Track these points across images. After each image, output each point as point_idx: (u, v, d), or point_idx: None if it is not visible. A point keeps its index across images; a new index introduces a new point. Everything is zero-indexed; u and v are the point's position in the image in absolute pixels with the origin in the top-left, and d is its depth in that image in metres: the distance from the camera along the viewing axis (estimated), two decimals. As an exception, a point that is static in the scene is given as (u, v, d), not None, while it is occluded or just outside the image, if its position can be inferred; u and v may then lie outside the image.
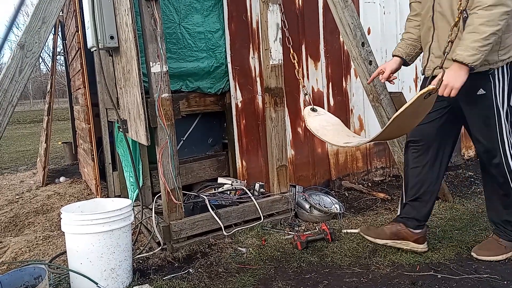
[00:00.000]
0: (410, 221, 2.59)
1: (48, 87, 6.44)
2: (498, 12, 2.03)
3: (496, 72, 2.26)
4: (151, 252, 2.92)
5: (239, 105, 3.68)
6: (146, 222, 3.29)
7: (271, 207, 3.34)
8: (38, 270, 2.17)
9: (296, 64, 3.04)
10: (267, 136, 3.46)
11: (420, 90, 2.07)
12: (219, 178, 3.71)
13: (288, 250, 2.81)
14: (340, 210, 3.45)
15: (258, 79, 3.75)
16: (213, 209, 3.06)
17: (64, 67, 14.64)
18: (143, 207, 3.26)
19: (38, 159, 6.75)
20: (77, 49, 4.14)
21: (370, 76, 3.27)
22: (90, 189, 4.85)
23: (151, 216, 3.07)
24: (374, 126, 4.22)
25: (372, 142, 2.46)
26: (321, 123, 2.38)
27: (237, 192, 3.45)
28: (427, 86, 2.03)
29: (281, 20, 3.23)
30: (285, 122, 3.44)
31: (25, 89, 21.78)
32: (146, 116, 2.76)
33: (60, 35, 6.13)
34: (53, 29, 3.82)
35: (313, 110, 2.45)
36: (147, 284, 2.44)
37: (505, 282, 2.24)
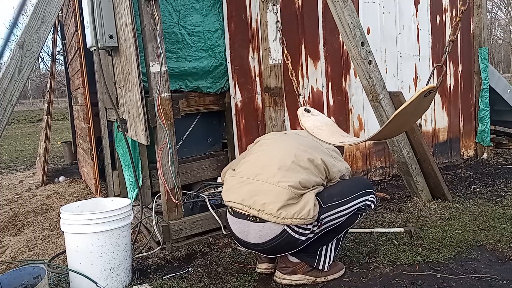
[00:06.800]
0: None
1: (48, 86, 6.44)
2: None
3: None
4: (151, 252, 2.92)
5: (239, 104, 3.68)
6: (145, 222, 3.29)
7: (271, 207, 3.32)
8: (37, 269, 2.18)
9: (289, 65, 3.03)
10: (266, 136, 3.46)
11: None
12: (218, 177, 3.70)
13: (287, 250, 2.81)
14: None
15: (257, 78, 3.75)
16: (213, 209, 3.06)
17: (63, 67, 14.64)
18: (143, 206, 3.26)
19: (37, 159, 6.75)
20: (76, 48, 4.14)
21: (369, 76, 3.27)
22: (90, 189, 4.85)
23: (151, 216, 3.07)
24: (374, 126, 4.22)
25: (372, 142, 2.46)
26: (315, 123, 2.37)
27: (237, 192, 3.44)
28: (428, 84, 2.03)
29: (276, 20, 3.23)
30: (284, 121, 3.44)
31: (25, 89, 21.77)
32: (146, 115, 2.75)
33: (59, 34, 6.12)
34: (52, 29, 3.82)
35: (307, 110, 2.45)
36: (146, 284, 2.44)
37: (504, 282, 2.24)
